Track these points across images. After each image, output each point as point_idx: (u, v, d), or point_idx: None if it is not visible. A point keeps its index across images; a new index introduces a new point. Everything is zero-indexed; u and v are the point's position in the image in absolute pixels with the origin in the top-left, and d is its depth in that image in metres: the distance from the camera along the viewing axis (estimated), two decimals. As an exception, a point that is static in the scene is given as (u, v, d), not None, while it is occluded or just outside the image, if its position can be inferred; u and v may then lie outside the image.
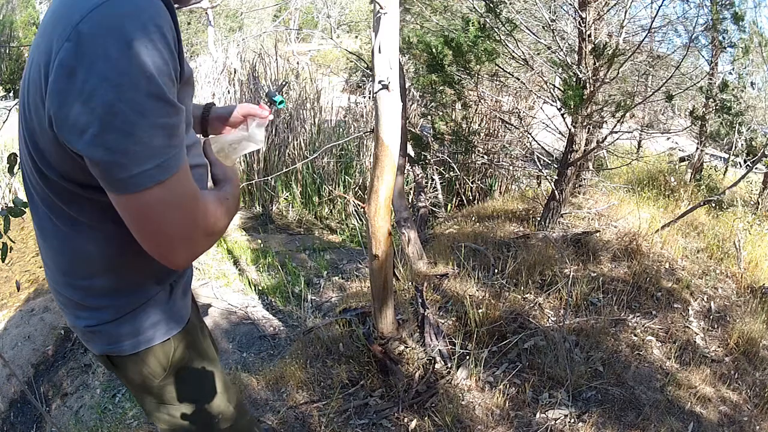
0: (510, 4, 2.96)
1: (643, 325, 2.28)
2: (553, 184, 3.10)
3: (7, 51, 13.83)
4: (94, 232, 0.75)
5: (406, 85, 3.18)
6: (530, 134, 3.58)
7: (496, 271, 2.61)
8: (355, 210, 5.22)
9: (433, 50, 3.10)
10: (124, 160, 0.59)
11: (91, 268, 0.79)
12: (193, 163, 0.80)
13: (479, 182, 5.00)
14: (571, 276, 2.47)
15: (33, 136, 0.68)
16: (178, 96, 0.71)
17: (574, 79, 2.75)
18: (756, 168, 3.97)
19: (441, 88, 3.54)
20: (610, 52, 2.56)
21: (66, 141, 0.61)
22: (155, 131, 0.60)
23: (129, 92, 0.58)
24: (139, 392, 0.91)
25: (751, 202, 4.25)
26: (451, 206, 4.87)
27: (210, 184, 0.89)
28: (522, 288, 2.48)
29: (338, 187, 5.54)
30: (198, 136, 0.99)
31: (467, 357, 2.04)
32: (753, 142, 5.45)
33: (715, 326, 2.36)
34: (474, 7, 3.01)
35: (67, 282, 0.81)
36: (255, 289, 3.69)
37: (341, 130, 6.08)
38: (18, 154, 0.84)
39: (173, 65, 0.63)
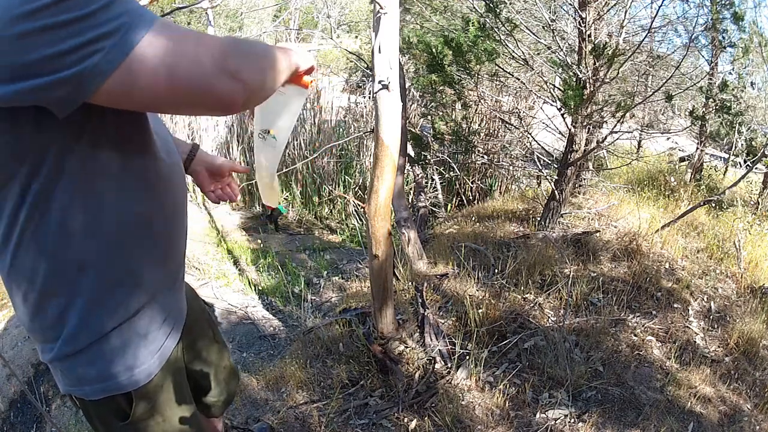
0: (510, 4, 2.96)
1: (643, 325, 2.28)
2: (553, 184, 3.10)
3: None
4: (26, 240, 0.66)
5: (406, 85, 3.18)
6: (530, 134, 3.58)
7: (496, 271, 2.61)
8: (355, 210, 5.22)
9: (433, 50, 3.10)
10: (91, 34, 0.52)
11: (28, 287, 0.70)
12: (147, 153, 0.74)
13: (479, 182, 5.00)
14: (571, 276, 2.47)
15: None
16: None
17: (574, 79, 2.75)
18: (756, 168, 3.96)
19: (441, 88, 3.54)
20: (610, 52, 2.56)
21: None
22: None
23: None
24: None
25: (751, 202, 4.25)
26: (451, 206, 4.87)
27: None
28: (522, 288, 2.48)
29: (338, 187, 5.54)
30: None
31: (467, 357, 2.04)
32: (753, 142, 5.45)
33: (715, 326, 2.36)
34: (474, 7, 3.01)
35: (26, 305, 0.72)
36: (255, 289, 3.69)
37: (341, 130, 6.08)
38: None
39: None
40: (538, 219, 3.25)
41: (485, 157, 4.18)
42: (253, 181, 0.98)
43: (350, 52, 4.85)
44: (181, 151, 1.02)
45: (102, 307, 0.73)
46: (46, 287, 0.70)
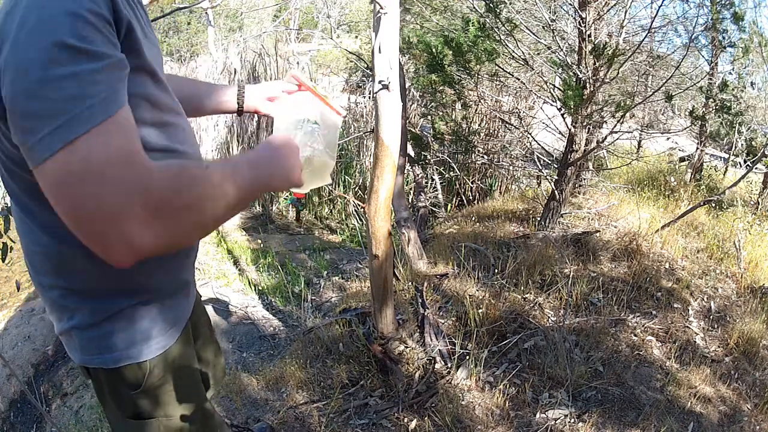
0: (510, 4, 2.96)
1: (643, 325, 2.28)
2: (553, 184, 3.10)
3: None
4: (46, 226, 0.68)
5: (406, 85, 3.18)
6: (530, 134, 3.58)
7: (496, 271, 2.61)
8: (355, 210, 5.22)
9: (433, 50, 3.10)
10: (31, 123, 0.51)
11: (48, 265, 0.73)
12: (162, 146, 0.70)
13: (479, 182, 5.00)
14: (571, 276, 2.47)
15: None
16: (148, 70, 0.64)
17: (574, 79, 2.75)
18: (756, 168, 3.96)
19: (441, 88, 3.54)
20: (610, 52, 2.56)
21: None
22: (61, 82, 0.51)
23: (30, 49, 0.51)
24: (106, 405, 0.87)
25: (751, 202, 4.25)
26: (451, 206, 4.87)
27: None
28: (522, 288, 2.48)
29: (338, 187, 5.54)
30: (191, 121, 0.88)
31: (467, 357, 2.04)
32: (753, 142, 5.45)
33: (715, 326, 2.36)
34: (474, 7, 3.01)
35: (38, 280, 0.76)
36: (255, 289, 3.69)
37: (341, 130, 6.08)
38: None
39: (95, 10, 0.54)
40: (538, 219, 3.25)
41: (485, 157, 4.18)
42: None
43: (350, 52, 4.85)
44: (227, 96, 1.02)
45: (127, 282, 0.75)
46: (73, 259, 0.71)
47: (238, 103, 1.04)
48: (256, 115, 1.24)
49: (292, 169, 0.75)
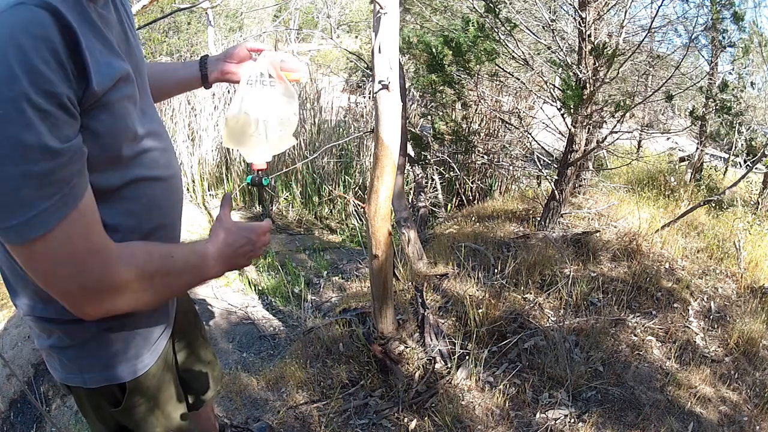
0: (510, 4, 2.96)
1: (643, 325, 2.28)
2: (553, 184, 3.10)
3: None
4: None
5: (406, 85, 3.18)
6: (530, 134, 3.58)
7: (496, 271, 2.61)
8: (355, 210, 5.22)
9: (433, 50, 3.10)
10: None
11: (24, 290, 0.73)
12: (129, 179, 0.70)
13: (479, 182, 5.00)
14: (571, 276, 2.47)
15: None
16: (104, 102, 0.61)
17: (574, 79, 2.75)
18: (756, 168, 3.96)
19: (441, 88, 3.54)
20: (610, 52, 2.56)
21: None
22: (16, 182, 0.51)
23: None
24: (89, 421, 0.88)
25: (751, 202, 4.25)
26: (451, 206, 4.87)
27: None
28: (522, 288, 2.48)
29: (338, 187, 5.54)
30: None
31: (467, 357, 2.04)
32: (753, 142, 5.45)
33: (715, 326, 2.36)
34: (474, 7, 3.01)
35: (15, 302, 0.76)
36: (255, 289, 3.69)
37: (341, 130, 6.08)
38: None
39: (45, 89, 0.51)
40: (538, 219, 3.25)
41: (485, 157, 4.18)
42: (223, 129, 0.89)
43: (350, 52, 4.85)
44: (190, 73, 1.01)
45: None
46: (32, 289, 0.71)
47: (201, 74, 1.02)
48: None
49: (246, 253, 0.81)
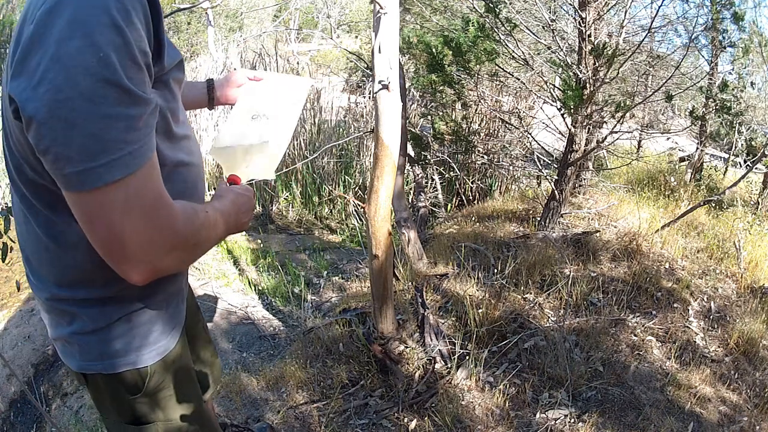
0: (510, 4, 2.96)
1: (643, 325, 2.28)
2: (553, 184, 3.10)
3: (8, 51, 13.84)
4: (54, 233, 0.70)
5: (406, 85, 3.18)
6: (530, 134, 3.58)
7: (496, 271, 2.61)
8: (355, 210, 5.22)
9: (433, 50, 3.10)
10: (70, 152, 0.53)
11: (50, 270, 0.74)
12: (176, 160, 0.75)
13: (479, 182, 5.00)
14: (571, 276, 2.47)
15: (6, 127, 0.64)
16: (164, 80, 0.66)
17: (574, 79, 2.75)
18: (756, 168, 3.97)
19: (441, 88, 3.54)
20: (610, 52, 2.56)
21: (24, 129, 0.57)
22: (108, 122, 0.54)
23: (78, 76, 0.52)
24: (105, 411, 0.87)
25: (751, 202, 4.25)
26: (451, 206, 4.87)
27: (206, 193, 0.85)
28: (522, 288, 2.48)
29: (338, 187, 5.54)
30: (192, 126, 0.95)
31: (467, 357, 2.04)
32: (753, 142, 5.45)
33: (715, 326, 2.36)
34: (474, 7, 3.01)
35: (37, 284, 0.77)
36: (255, 289, 3.69)
37: (341, 130, 6.08)
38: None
39: (140, 46, 0.56)
40: (538, 219, 3.25)
41: (485, 157, 4.18)
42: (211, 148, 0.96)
43: (350, 52, 4.85)
44: (198, 95, 1.09)
45: (128, 290, 0.76)
46: (77, 267, 0.72)
47: (209, 97, 1.10)
48: None
49: (248, 212, 0.86)
